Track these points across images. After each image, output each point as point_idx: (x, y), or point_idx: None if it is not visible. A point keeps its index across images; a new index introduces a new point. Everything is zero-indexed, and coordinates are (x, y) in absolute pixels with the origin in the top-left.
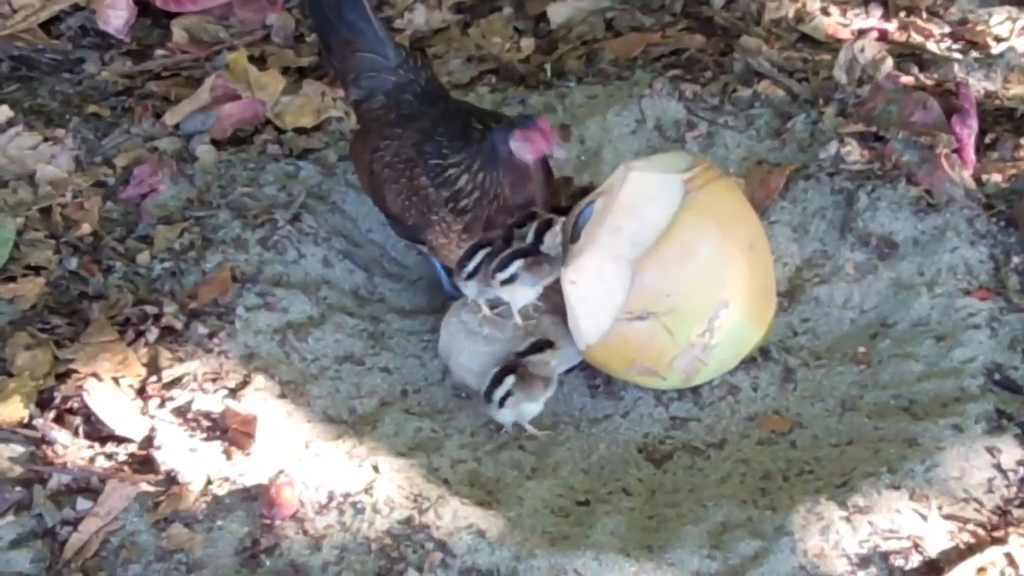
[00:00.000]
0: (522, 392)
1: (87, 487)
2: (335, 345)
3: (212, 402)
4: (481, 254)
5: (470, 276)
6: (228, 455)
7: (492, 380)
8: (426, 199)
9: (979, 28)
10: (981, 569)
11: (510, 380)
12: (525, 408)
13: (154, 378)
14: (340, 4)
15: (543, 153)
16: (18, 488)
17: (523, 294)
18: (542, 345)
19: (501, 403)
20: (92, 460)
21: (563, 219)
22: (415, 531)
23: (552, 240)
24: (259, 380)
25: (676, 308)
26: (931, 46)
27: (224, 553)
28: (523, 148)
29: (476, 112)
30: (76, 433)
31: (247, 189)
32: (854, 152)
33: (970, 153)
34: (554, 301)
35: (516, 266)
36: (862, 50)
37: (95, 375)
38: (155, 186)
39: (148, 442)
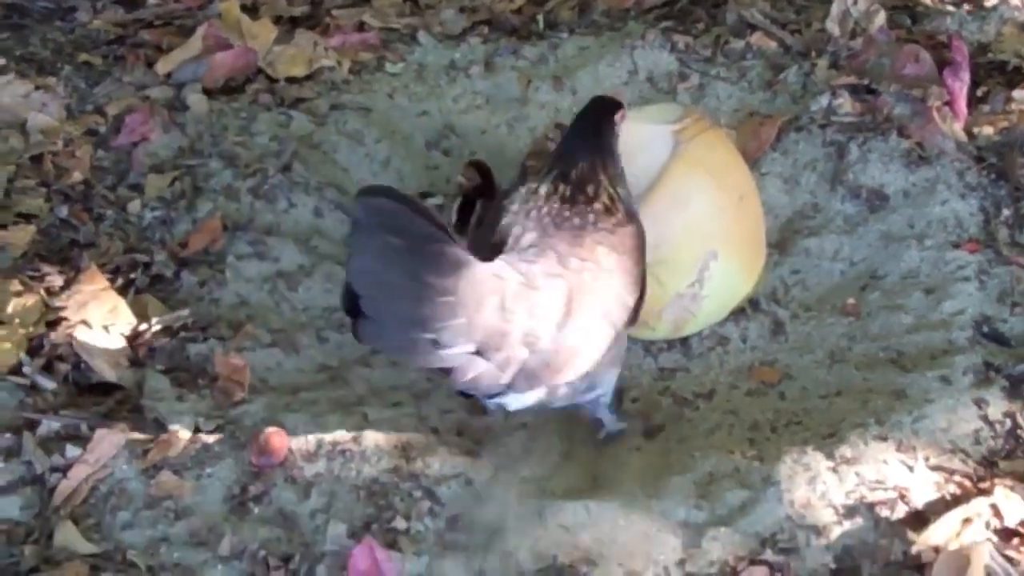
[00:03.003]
0: None
1: (76, 434)
2: (325, 294)
3: (202, 350)
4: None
5: None
6: (218, 403)
7: None
8: None
9: None
10: (967, 520)
11: None
12: None
13: (144, 326)
14: None
15: None
16: (8, 434)
17: None
18: None
19: None
20: (81, 407)
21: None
22: (403, 479)
23: None
24: (249, 329)
25: (666, 258)
26: None
27: (213, 500)
28: None
29: None
30: (66, 380)
31: (239, 138)
32: (846, 104)
33: (962, 106)
34: None
35: None
36: (855, 2)
37: (85, 323)
38: (146, 135)
39: (138, 389)
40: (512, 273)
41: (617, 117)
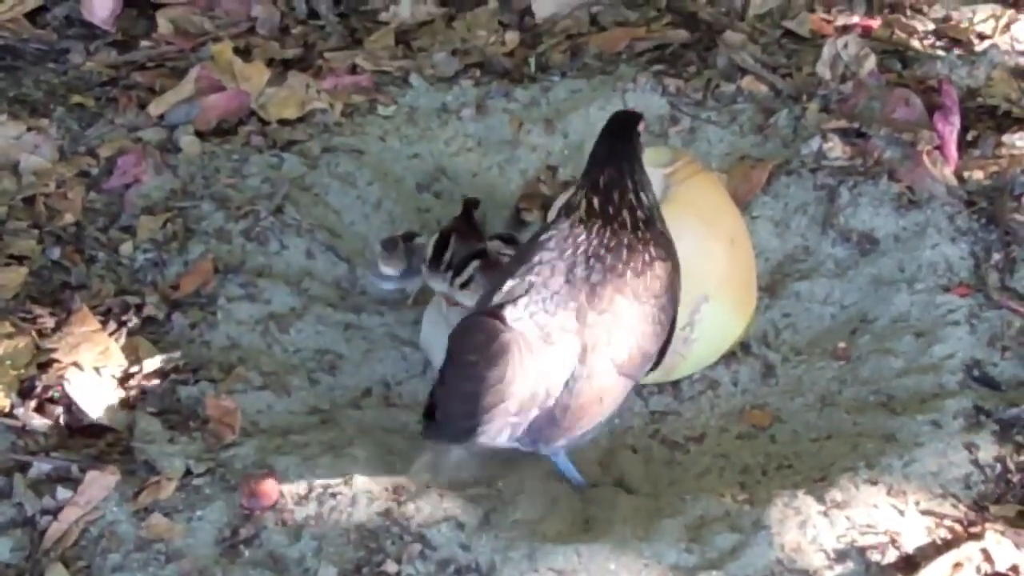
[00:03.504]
0: None
1: (67, 476)
2: (317, 337)
3: (193, 392)
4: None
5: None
6: (208, 445)
7: None
8: None
9: (963, 26)
10: (957, 564)
11: None
12: None
13: (135, 368)
14: None
15: None
16: None
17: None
18: None
19: None
20: (73, 449)
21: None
22: (394, 523)
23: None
24: (240, 371)
25: None
26: (915, 43)
27: (203, 543)
28: None
29: None
30: (57, 422)
31: (230, 180)
32: (836, 148)
33: (952, 150)
34: None
35: (472, 268)
36: (845, 46)
37: (76, 365)
38: (139, 176)
39: (129, 432)
40: (531, 327)
41: (640, 127)
